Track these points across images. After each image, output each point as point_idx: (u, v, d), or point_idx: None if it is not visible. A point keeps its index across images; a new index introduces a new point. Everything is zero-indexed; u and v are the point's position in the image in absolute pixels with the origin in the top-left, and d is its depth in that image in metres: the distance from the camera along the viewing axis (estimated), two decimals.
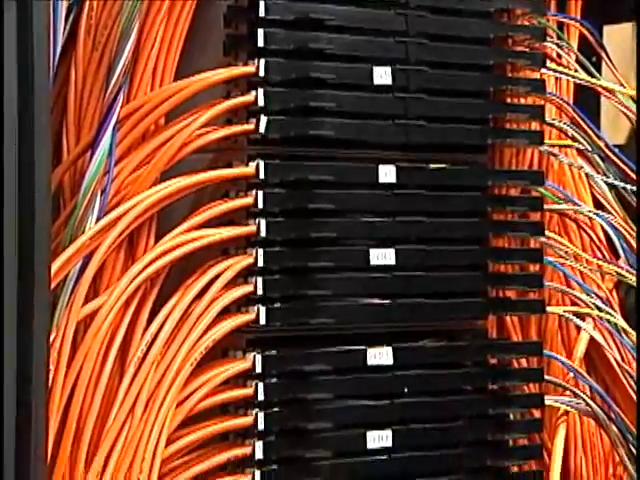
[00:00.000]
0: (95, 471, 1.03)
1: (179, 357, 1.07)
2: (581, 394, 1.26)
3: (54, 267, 1.01)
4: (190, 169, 1.11)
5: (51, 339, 1.00)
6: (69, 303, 1.04)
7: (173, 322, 1.08)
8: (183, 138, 1.09)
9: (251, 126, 1.11)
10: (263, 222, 1.11)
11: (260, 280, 1.11)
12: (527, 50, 1.26)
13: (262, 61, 1.11)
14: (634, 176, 1.32)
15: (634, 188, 1.31)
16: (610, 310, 1.28)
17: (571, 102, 1.33)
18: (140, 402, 1.05)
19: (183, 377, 1.07)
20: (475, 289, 1.22)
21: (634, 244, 1.32)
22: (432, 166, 1.20)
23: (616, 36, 1.49)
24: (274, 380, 1.11)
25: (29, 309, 0.94)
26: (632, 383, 1.29)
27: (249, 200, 1.11)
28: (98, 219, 1.06)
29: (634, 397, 1.30)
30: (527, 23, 1.26)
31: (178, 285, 1.10)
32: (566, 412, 1.26)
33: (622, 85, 1.33)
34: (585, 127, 1.31)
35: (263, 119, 1.11)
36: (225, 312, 1.11)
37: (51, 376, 1.00)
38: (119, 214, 1.06)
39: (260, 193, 1.11)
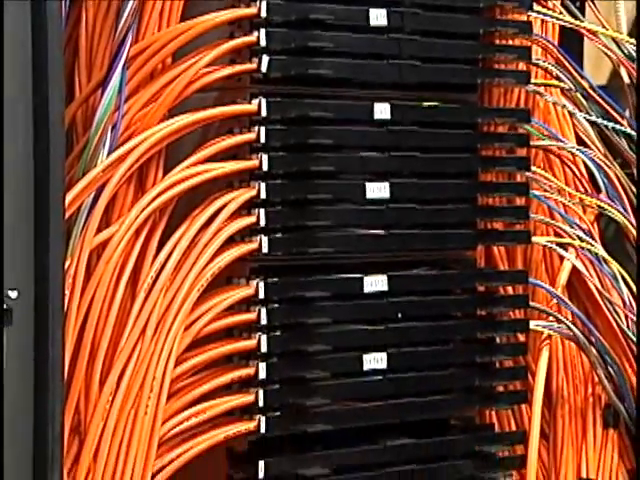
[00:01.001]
0: (109, 389, 1.03)
1: (187, 283, 1.07)
2: (563, 319, 1.27)
3: (68, 198, 1.01)
4: (196, 107, 1.10)
5: (66, 266, 1.00)
6: (82, 232, 1.03)
7: (181, 251, 1.07)
8: (189, 76, 1.08)
9: (253, 65, 1.10)
10: (265, 156, 1.10)
11: (262, 212, 1.10)
12: None
13: (264, 3, 1.10)
14: (616, 115, 1.31)
15: (616, 126, 1.30)
16: (591, 240, 1.28)
17: (556, 44, 1.32)
18: (150, 325, 1.05)
19: (190, 302, 1.07)
20: (465, 221, 1.22)
21: (615, 179, 1.32)
22: (425, 104, 1.19)
23: None
24: (276, 305, 1.11)
25: (45, 238, 0.94)
26: (611, 309, 1.29)
27: (252, 136, 1.11)
28: (109, 153, 1.05)
29: (613, 323, 1.30)
30: None
31: (185, 216, 1.10)
32: (549, 336, 1.26)
33: (604, 27, 1.32)
34: (569, 67, 1.30)
35: (265, 59, 1.10)
36: (230, 242, 1.10)
37: (66, 300, 1.00)
38: (129, 148, 1.06)
39: (262, 129, 1.10)
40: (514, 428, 1.30)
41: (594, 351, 1.28)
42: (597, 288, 1.29)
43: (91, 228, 1.03)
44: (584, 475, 1.32)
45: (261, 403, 1.10)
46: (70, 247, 1.02)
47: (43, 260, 0.94)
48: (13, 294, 0.92)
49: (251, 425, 1.10)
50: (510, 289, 1.27)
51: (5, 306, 0.92)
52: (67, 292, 1.00)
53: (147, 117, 1.08)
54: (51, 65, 0.93)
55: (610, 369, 1.29)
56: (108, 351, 1.04)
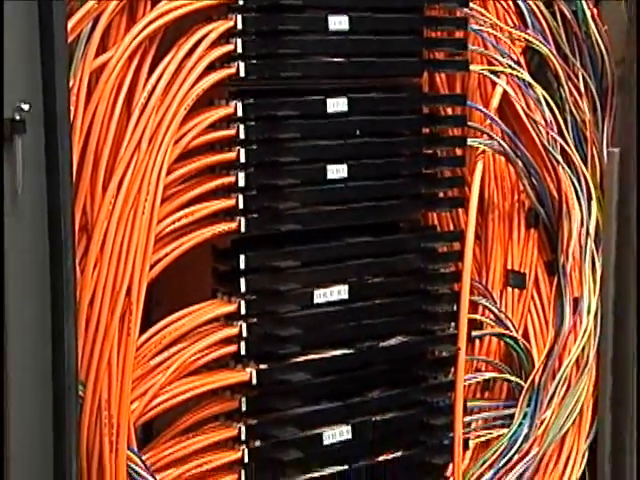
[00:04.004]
0: (111, 193, 0.99)
1: (175, 103, 1.02)
2: (495, 136, 1.24)
3: (69, 25, 0.95)
4: None
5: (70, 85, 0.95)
6: (83, 57, 0.98)
7: (169, 74, 1.02)
8: None
9: None
10: None
11: (239, 41, 1.05)
12: None
13: None
14: None
15: None
16: (519, 68, 1.25)
17: None
18: (145, 139, 1.01)
19: (179, 119, 1.03)
20: (412, 50, 1.17)
21: (540, 16, 1.28)
22: None
23: None
24: (252, 123, 1.07)
25: (51, 58, 0.89)
26: (535, 127, 1.27)
27: None
28: None
29: (536, 139, 1.28)
30: None
31: (172, 44, 1.04)
32: (483, 151, 1.24)
33: None
34: None
35: None
36: (211, 68, 1.05)
37: (72, 116, 0.95)
38: None
39: None
40: (452, 229, 1.28)
41: (520, 163, 1.27)
42: (523, 109, 1.26)
43: (91, 52, 0.98)
44: (510, 267, 1.32)
45: (241, 206, 1.07)
46: (73, 68, 0.97)
47: (50, 77, 0.89)
48: (25, 106, 0.88)
49: (233, 225, 1.08)
50: (450, 110, 1.24)
51: (18, 117, 0.88)
52: (72, 108, 0.95)
53: None
54: None
55: (533, 179, 1.28)
56: (109, 161, 1.00)
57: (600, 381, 1.32)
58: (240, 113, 1.06)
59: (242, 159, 1.07)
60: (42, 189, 0.89)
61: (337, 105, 1.12)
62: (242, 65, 1.05)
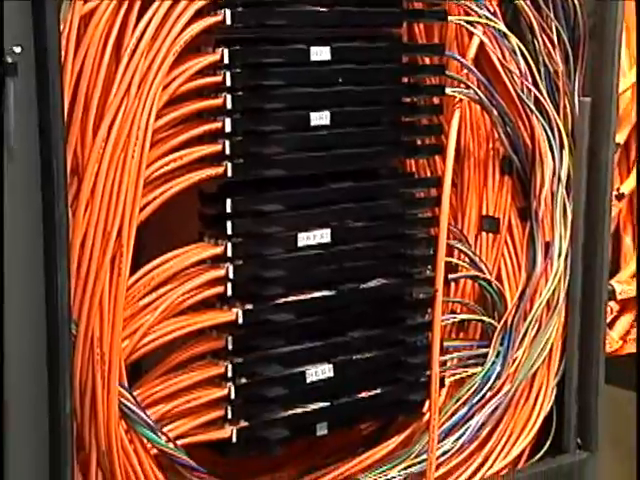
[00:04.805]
0: (101, 137, 0.98)
1: (163, 48, 1.01)
2: (472, 85, 1.23)
3: None
4: None
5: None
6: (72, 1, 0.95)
7: (157, 20, 1.00)
8: None
9: None
10: None
11: None
12: None
13: None
14: None
15: None
16: (495, 19, 1.23)
17: None
18: (134, 84, 0.99)
19: (167, 65, 1.01)
20: (392, 1, 1.16)
21: None
22: None
23: None
24: (238, 70, 1.05)
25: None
26: (510, 77, 1.26)
27: None
28: None
29: (511, 89, 1.27)
30: None
31: None
32: (460, 100, 1.23)
33: None
34: None
35: None
36: (199, 15, 1.03)
37: (62, 60, 0.93)
38: None
39: None
40: (430, 175, 1.28)
41: (495, 112, 1.26)
42: (499, 59, 1.25)
43: None
44: (484, 213, 1.32)
45: (228, 152, 1.06)
46: (62, 13, 0.94)
47: (41, 21, 0.87)
48: (17, 49, 0.86)
49: (220, 170, 1.06)
50: (428, 60, 1.23)
51: (10, 60, 0.86)
52: (62, 52, 0.93)
53: None
54: None
55: (507, 127, 1.28)
56: (99, 105, 0.98)
57: (569, 322, 1.33)
58: (227, 60, 1.04)
59: (228, 105, 1.05)
60: (34, 132, 0.87)
61: (320, 54, 1.10)
62: (228, 13, 1.04)
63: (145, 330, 1.04)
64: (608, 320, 1.41)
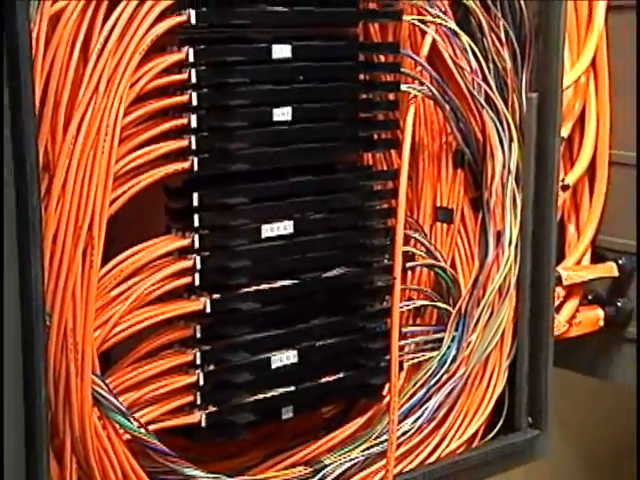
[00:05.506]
0: (71, 133, 0.98)
1: (130, 48, 1.01)
2: (425, 82, 1.25)
3: None
4: None
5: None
6: (41, 2, 0.95)
7: (124, 19, 1.00)
8: None
9: None
10: None
11: None
12: None
13: None
14: None
15: None
16: (447, 18, 1.26)
17: None
18: (102, 82, 0.99)
19: (134, 63, 1.01)
20: (349, 1, 1.17)
21: None
22: None
23: None
24: (203, 68, 1.06)
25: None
26: (462, 73, 1.28)
27: None
28: None
29: (462, 85, 1.29)
30: None
31: None
32: (415, 96, 1.25)
33: None
34: None
35: None
36: (163, 16, 1.04)
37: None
38: None
39: None
40: (386, 169, 1.30)
41: (448, 108, 1.28)
42: (451, 57, 1.27)
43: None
44: (438, 204, 1.34)
45: (194, 147, 1.07)
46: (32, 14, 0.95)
47: (12, 20, 0.87)
48: None
49: (186, 164, 1.07)
50: (384, 58, 1.24)
51: None
52: (34, 46, 0.93)
53: None
54: None
55: (460, 122, 1.30)
56: (69, 104, 0.98)
57: (519, 307, 1.35)
58: (192, 59, 1.05)
59: (194, 102, 1.06)
60: (6, 130, 0.87)
61: (281, 52, 1.12)
62: (193, 13, 1.04)
63: (116, 320, 1.04)
64: (555, 305, 1.44)
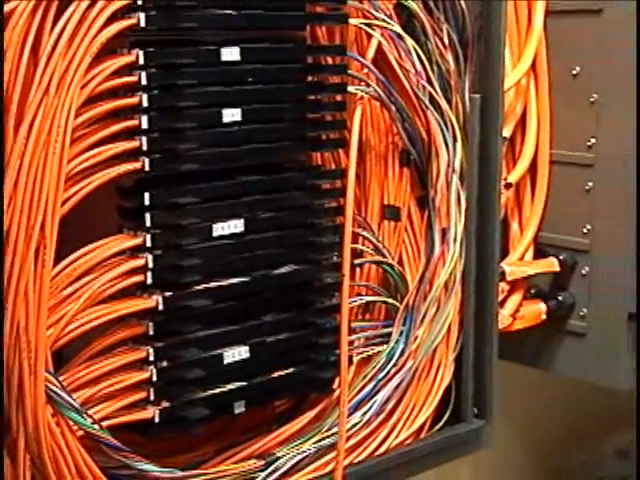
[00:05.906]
0: (22, 135, 0.97)
1: (80, 50, 1.00)
2: (372, 83, 1.27)
3: None
4: None
5: None
6: None
7: (74, 22, 1.00)
8: None
9: None
10: None
11: None
12: None
13: None
14: None
15: None
16: (392, 22, 1.27)
17: None
18: (53, 84, 0.99)
19: (84, 65, 1.01)
20: (295, 6, 1.18)
21: None
22: None
23: None
24: (153, 70, 1.06)
25: None
26: (407, 75, 1.30)
27: None
28: None
29: (407, 86, 1.31)
30: None
31: None
32: (361, 97, 1.26)
33: None
34: None
35: None
36: (113, 18, 1.04)
37: None
38: None
39: None
40: (334, 168, 1.31)
41: (394, 108, 1.30)
42: (396, 59, 1.29)
43: None
44: (386, 202, 1.36)
45: (145, 148, 1.07)
46: None
47: None
48: None
49: (138, 165, 1.07)
50: (331, 60, 1.26)
51: None
52: None
53: None
54: None
55: (405, 122, 1.32)
56: (19, 105, 0.98)
57: (465, 301, 1.37)
58: (142, 61, 1.05)
59: (145, 104, 1.06)
60: None
61: (230, 54, 1.12)
62: (143, 16, 1.05)
63: (69, 318, 1.04)
64: (499, 299, 1.46)
